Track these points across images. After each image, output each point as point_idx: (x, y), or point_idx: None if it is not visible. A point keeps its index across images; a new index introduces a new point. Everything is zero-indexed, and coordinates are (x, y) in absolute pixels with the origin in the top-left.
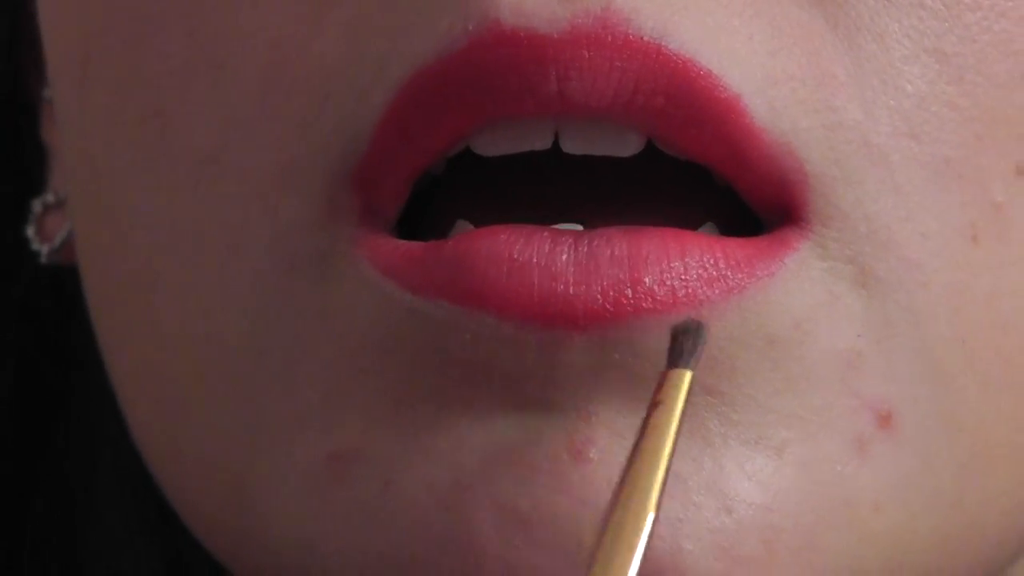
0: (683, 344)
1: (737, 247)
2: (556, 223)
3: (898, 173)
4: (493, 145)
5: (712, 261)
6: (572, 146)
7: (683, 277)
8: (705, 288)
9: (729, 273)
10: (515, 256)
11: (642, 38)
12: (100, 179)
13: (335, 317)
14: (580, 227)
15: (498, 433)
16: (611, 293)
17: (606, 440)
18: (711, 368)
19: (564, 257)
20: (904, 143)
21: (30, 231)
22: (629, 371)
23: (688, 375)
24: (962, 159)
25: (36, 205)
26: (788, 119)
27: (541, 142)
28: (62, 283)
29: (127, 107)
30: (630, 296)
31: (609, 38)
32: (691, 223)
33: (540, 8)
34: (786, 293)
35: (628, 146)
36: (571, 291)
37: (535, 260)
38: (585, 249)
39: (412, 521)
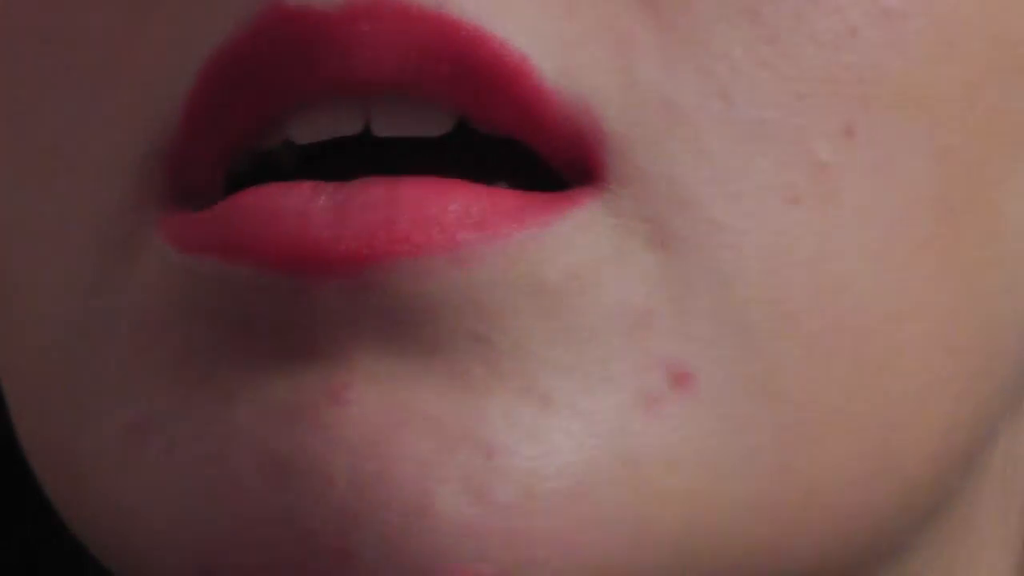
0: None
1: (509, 197)
2: None
3: (705, 134)
4: (307, 132)
5: (477, 208)
6: (381, 128)
7: (441, 220)
8: (464, 232)
9: (495, 219)
10: (272, 205)
11: (421, 7)
12: None
13: (132, 292)
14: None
15: (264, 384)
16: (364, 236)
17: (363, 383)
18: (476, 314)
19: (320, 203)
20: (711, 103)
21: None
22: (385, 315)
23: None
24: (780, 119)
25: None
26: (584, 80)
27: (351, 127)
28: None
29: None
30: (383, 238)
31: (387, 11)
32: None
33: None
34: (562, 244)
35: (438, 125)
36: (324, 234)
37: (291, 207)
38: (342, 196)
39: (190, 478)
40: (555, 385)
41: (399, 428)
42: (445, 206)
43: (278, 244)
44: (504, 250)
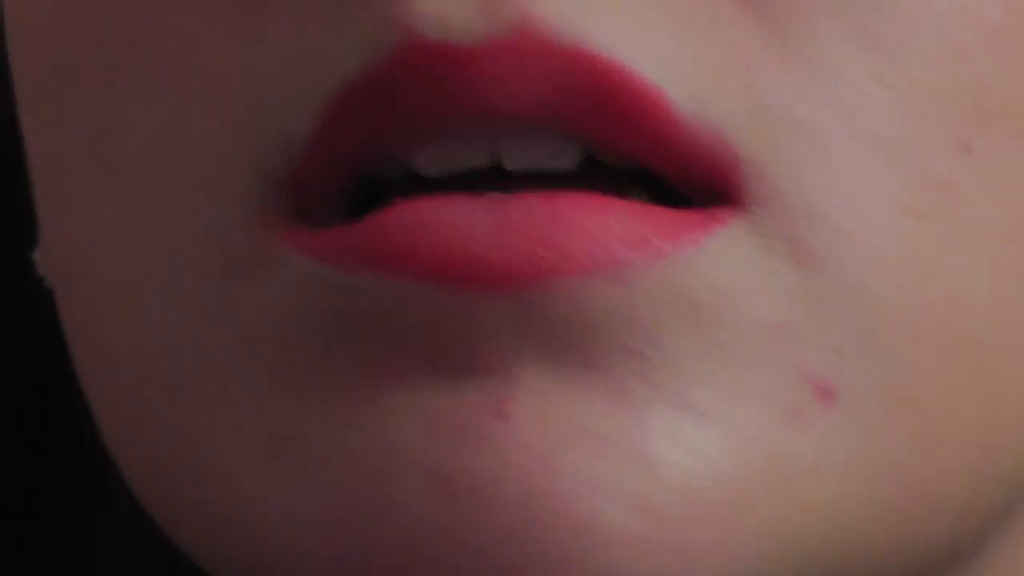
0: None
1: (664, 214)
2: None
3: (833, 152)
4: (433, 165)
5: (634, 225)
6: (511, 162)
7: (603, 239)
8: (624, 250)
9: (652, 238)
10: (431, 220)
11: (560, 43)
12: (53, 191)
13: (263, 306)
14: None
15: (422, 398)
16: (528, 253)
17: (526, 399)
18: (633, 330)
19: (480, 218)
20: (836, 123)
21: (38, 256)
22: (547, 331)
23: None
24: (900, 136)
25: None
26: (715, 107)
27: (478, 160)
28: None
29: (74, 120)
30: (547, 257)
31: (528, 46)
32: (614, 183)
33: (459, 20)
34: (712, 262)
35: (566, 158)
36: (488, 251)
37: (450, 222)
38: (504, 211)
39: (343, 491)
40: (708, 399)
41: (565, 445)
42: (607, 224)
43: (441, 258)
44: (660, 268)
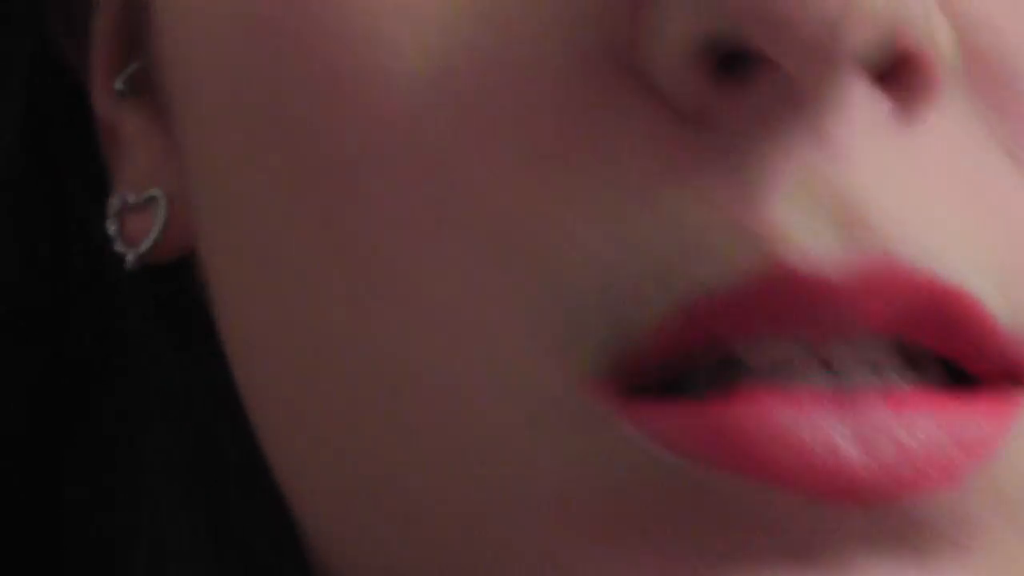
0: None
1: (980, 408)
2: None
3: None
4: (765, 361)
5: (967, 429)
6: (841, 365)
7: (947, 450)
8: (961, 457)
9: (980, 440)
10: (790, 429)
11: (914, 272)
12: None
13: (576, 467)
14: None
15: None
16: (892, 471)
17: None
18: (964, 527)
19: (838, 428)
20: None
21: (111, 229)
22: (901, 538)
23: None
24: None
25: (113, 204)
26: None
27: (800, 353)
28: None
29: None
30: (908, 475)
31: (887, 276)
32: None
33: (826, 251)
34: (1019, 453)
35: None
36: (856, 472)
37: (810, 428)
38: (859, 423)
39: None
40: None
41: None
42: (949, 432)
43: (808, 469)
44: (984, 467)
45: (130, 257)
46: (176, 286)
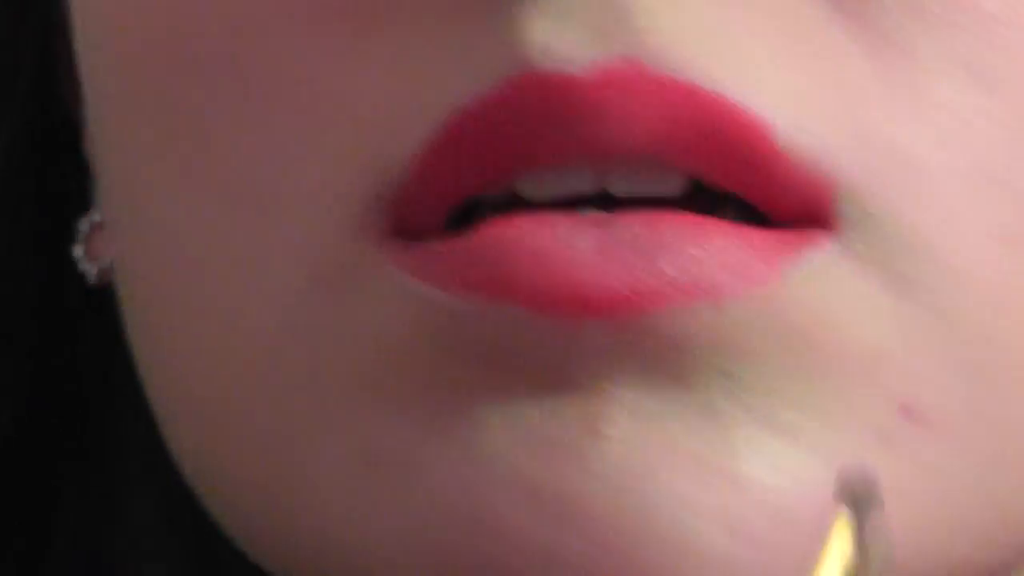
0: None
1: (760, 237)
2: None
3: (932, 180)
4: (537, 190)
5: (735, 248)
6: (617, 188)
7: (704, 265)
8: (726, 277)
9: (752, 263)
10: (537, 244)
11: (674, 78)
12: (139, 201)
13: (360, 319)
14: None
15: (518, 415)
16: (630, 280)
17: (622, 417)
18: (728, 353)
19: (583, 243)
20: (937, 151)
21: (78, 251)
22: (644, 353)
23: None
24: (997, 165)
25: (83, 224)
26: (816, 136)
27: (584, 185)
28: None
29: (168, 133)
30: (650, 284)
31: (640, 80)
32: (709, 204)
33: (573, 51)
34: (808, 287)
35: (672, 185)
36: (591, 277)
37: (553, 247)
38: (607, 237)
39: (439, 505)
40: (798, 421)
41: (657, 463)
42: (707, 249)
43: (544, 286)
44: (759, 294)
45: (92, 273)
46: None
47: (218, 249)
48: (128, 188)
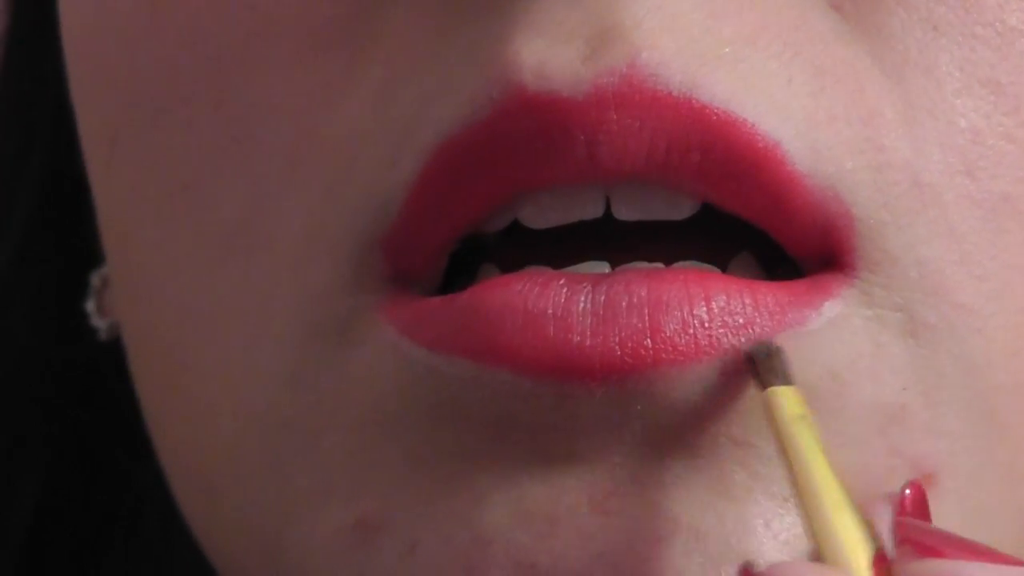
0: (772, 365)
1: (768, 291)
2: (584, 259)
3: (952, 213)
4: (542, 217)
5: (739, 307)
6: (624, 213)
7: (706, 325)
8: (730, 336)
9: (757, 320)
10: (529, 307)
11: (670, 93)
12: (130, 255)
13: (356, 381)
14: (606, 266)
15: (519, 488)
16: (629, 344)
17: (628, 491)
18: (740, 419)
19: (580, 307)
20: (958, 181)
21: (90, 306)
22: (650, 421)
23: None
24: (1021, 195)
25: (95, 279)
26: (832, 162)
27: (591, 211)
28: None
29: (154, 181)
30: (649, 346)
31: (636, 96)
32: (727, 254)
33: (563, 70)
34: (822, 342)
35: (681, 209)
36: (587, 343)
37: (549, 311)
38: (602, 297)
39: None
40: None
41: (665, 542)
42: (709, 306)
43: (540, 350)
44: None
45: (103, 328)
46: None
47: (211, 302)
48: (119, 240)
